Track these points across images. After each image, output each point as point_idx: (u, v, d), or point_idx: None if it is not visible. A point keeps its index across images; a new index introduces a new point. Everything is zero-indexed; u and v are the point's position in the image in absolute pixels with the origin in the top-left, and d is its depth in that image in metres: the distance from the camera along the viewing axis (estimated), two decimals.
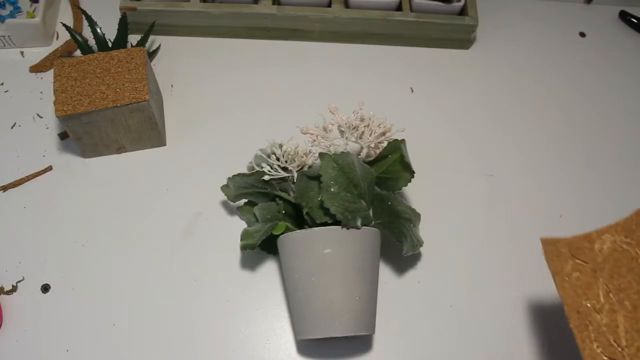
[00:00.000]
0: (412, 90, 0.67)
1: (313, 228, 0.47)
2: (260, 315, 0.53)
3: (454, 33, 0.68)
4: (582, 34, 0.72)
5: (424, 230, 0.54)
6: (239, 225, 0.57)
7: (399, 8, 0.67)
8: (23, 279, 0.54)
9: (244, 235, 0.51)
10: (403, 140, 0.51)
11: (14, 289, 0.53)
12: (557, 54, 0.70)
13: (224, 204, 0.58)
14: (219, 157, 0.61)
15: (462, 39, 0.69)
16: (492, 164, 0.62)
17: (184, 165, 0.60)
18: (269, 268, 0.55)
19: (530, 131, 0.64)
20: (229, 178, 0.53)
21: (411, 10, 0.67)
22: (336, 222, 0.47)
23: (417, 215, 0.52)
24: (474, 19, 0.66)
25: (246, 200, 0.55)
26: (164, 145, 0.61)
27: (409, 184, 0.51)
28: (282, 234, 0.49)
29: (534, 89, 0.67)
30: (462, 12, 0.67)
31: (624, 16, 0.72)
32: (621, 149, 0.64)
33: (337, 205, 0.46)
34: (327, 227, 0.47)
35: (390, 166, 0.51)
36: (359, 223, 0.46)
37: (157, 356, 0.51)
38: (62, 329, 0.51)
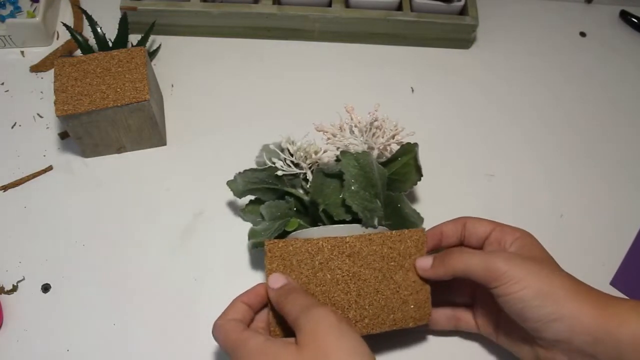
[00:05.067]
0: (413, 90, 0.67)
1: (333, 225, 0.47)
2: None
3: (454, 33, 0.68)
4: (582, 34, 0.72)
5: None
6: (239, 225, 0.57)
7: (399, 8, 0.67)
8: (23, 279, 0.54)
9: (252, 234, 0.51)
10: (416, 144, 0.52)
11: (14, 288, 0.53)
12: (557, 54, 0.70)
13: (225, 203, 0.58)
14: (220, 157, 0.61)
15: (462, 39, 0.69)
16: (493, 164, 0.62)
17: (184, 165, 0.60)
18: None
19: (531, 131, 0.64)
20: (239, 173, 0.52)
21: (411, 10, 0.67)
22: (353, 220, 0.47)
23: (421, 220, 0.52)
24: (474, 19, 0.66)
25: (251, 199, 0.55)
26: (164, 145, 0.61)
27: (414, 186, 0.51)
28: (294, 230, 0.49)
29: (534, 89, 0.67)
30: (462, 12, 0.67)
31: (624, 16, 0.72)
32: (621, 148, 0.64)
33: (357, 204, 0.46)
34: (347, 224, 0.47)
35: (400, 168, 0.52)
36: (375, 222, 0.46)
37: (158, 356, 0.51)
38: (62, 329, 0.51)
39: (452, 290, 0.49)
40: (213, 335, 0.43)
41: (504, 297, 0.41)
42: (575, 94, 0.67)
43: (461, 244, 0.49)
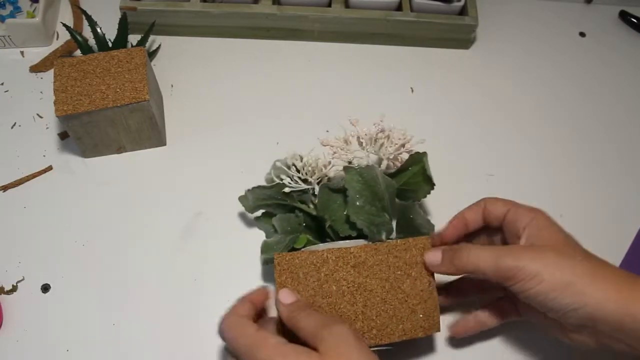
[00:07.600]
0: (412, 90, 0.67)
1: (339, 241, 0.47)
2: None
3: (454, 33, 0.68)
4: (582, 34, 0.72)
5: None
6: (239, 225, 0.57)
7: (399, 8, 0.67)
8: (23, 279, 0.54)
9: (265, 247, 0.51)
10: (425, 153, 0.51)
11: (14, 288, 0.53)
12: (557, 54, 0.70)
13: (224, 204, 0.58)
14: (219, 157, 0.61)
15: (462, 39, 0.69)
16: (492, 164, 0.62)
17: (184, 165, 0.60)
18: (270, 268, 0.55)
19: (530, 131, 0.64)
20: (248, 190, 0.52)
21: (411, 10, 0.67)
22: (359, 236, 0.46)
23: (432, 227, 0.51)
24: (474, 19, 0.66)
25: (264, 211, 0.55)
26: (164, 145, 0.62)
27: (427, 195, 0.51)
28: (304, 246, 0.49)
29: (534, 89, 0.67)
30: (462, 12, 0.67)
31: (624, 16, 0.72)
32: (621, 148, 0.64)
33: (362, 219, 0.45)
34: (353, 240, 0.46)
35: (410, 178, 0.51)
36: (383, 237, 0.46)
37: (157, 356, 0.51)
38: (62, 329, 0.51)
39: (484, 281, 0.47)
40: (223, 330, 0.41)
41: (522, 294, 0.41)
42: (575, 93, 0.67)
43: (486, 226, 0.48)
